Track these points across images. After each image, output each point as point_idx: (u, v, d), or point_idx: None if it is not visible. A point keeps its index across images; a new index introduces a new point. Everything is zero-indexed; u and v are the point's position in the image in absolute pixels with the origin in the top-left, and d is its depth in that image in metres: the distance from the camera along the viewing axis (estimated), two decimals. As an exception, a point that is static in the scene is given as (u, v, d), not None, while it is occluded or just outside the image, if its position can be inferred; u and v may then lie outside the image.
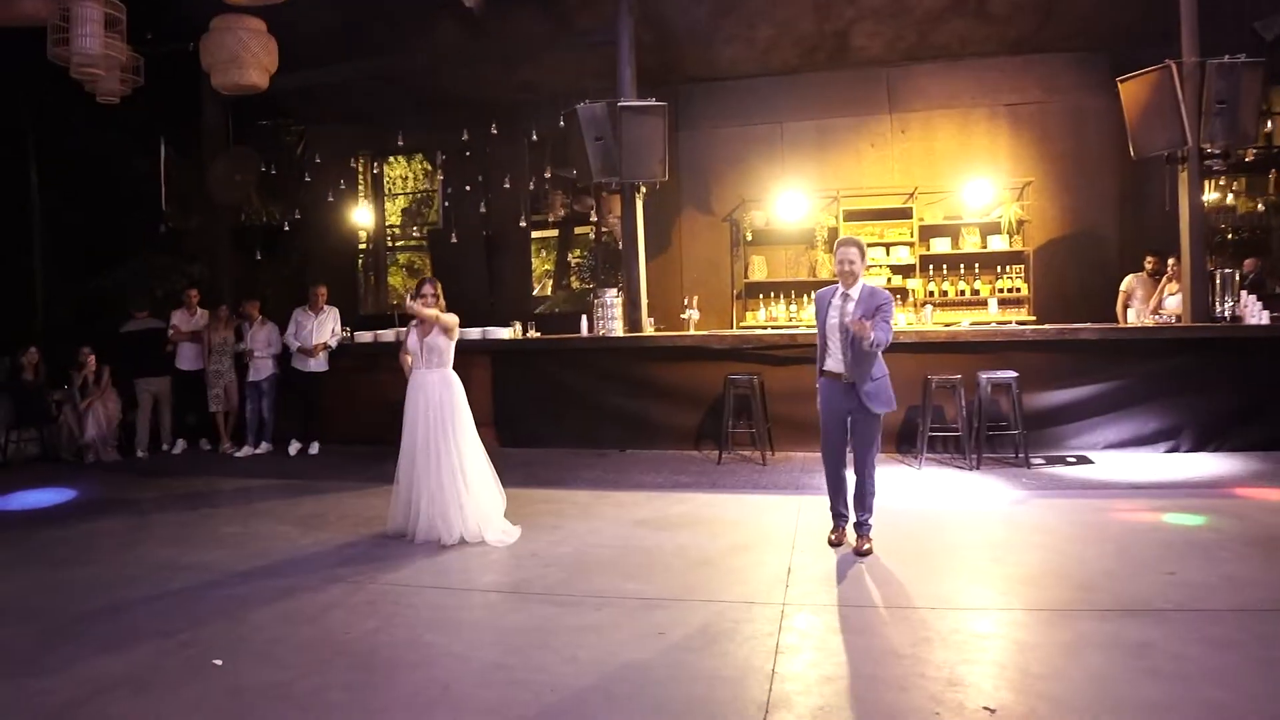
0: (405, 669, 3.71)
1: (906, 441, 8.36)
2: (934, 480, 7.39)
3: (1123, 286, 9.71)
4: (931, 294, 10.89)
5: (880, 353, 5.27)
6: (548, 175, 11.27)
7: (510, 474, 7.90)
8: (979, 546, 5.39)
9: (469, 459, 6.03)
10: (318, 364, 9.83)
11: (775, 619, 4.15)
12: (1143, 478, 7.13)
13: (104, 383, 10.02)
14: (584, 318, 9.63)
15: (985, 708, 3.19)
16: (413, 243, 15.94)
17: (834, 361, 5.33)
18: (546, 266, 15.83)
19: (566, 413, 9.43)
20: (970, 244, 10.96)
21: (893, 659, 3.66)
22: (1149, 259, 9.49)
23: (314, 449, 9.86)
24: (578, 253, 16.10)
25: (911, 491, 6.97)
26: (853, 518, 5.45)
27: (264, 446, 10.05)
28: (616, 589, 4.71)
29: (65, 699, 3.48)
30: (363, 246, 14.27)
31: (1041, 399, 8.25)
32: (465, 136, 10.83)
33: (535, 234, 14.22)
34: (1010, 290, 10.74)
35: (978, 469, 7.73)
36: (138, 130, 12.73)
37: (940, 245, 11.02)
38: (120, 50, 7.18)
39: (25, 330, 11.09)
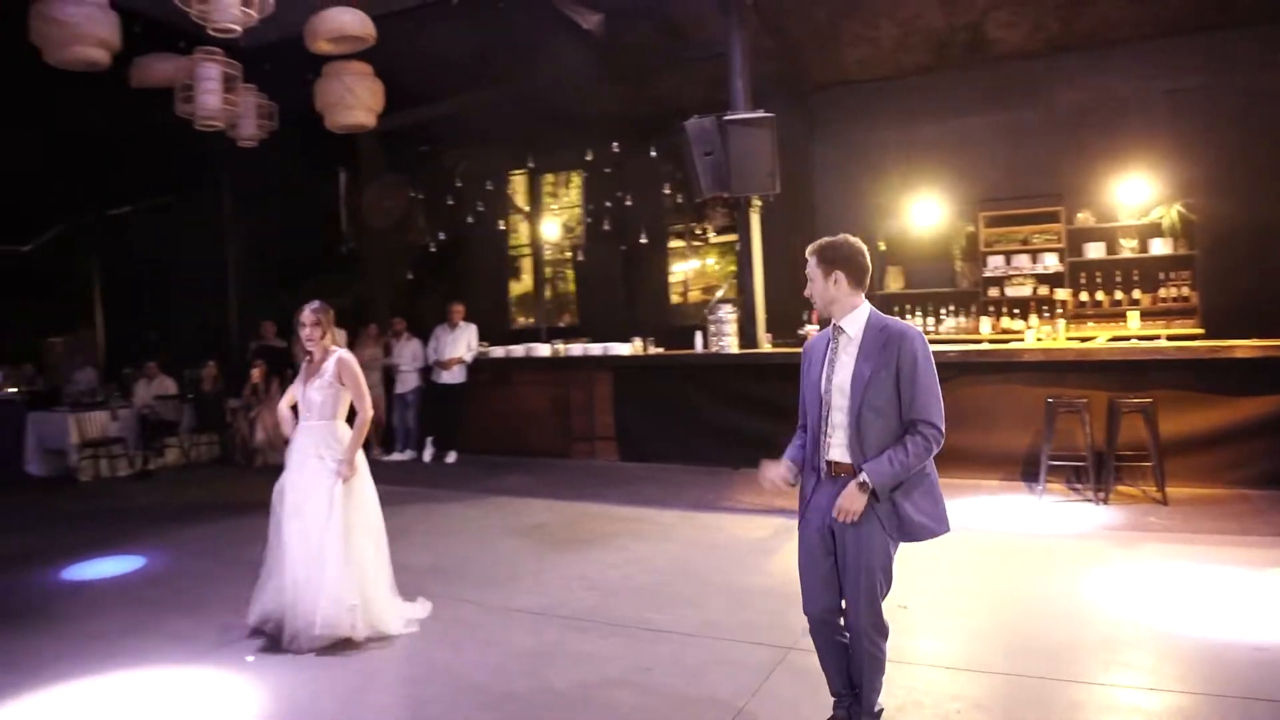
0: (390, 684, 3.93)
1: (1030, 466, 7.78)
2: (1045, 509, 6.90)
3: None
4: (1083, 304, 10.06)
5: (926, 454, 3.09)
6: (666, 190, 11.31)
7: (614, 490, 8.34)
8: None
9: (356, 529, 4.63)
10: (452, 376, 10.40)
11: (773, 662, 4.04)
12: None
13: (272, 392, 11.04)
14: (698, 334, 9.61)
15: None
16: (564, 257, 16.38)
17: (838, 448, 3.18)
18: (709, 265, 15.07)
19: (682, 429, 9.49)
20: (1128, 249, 10.02)
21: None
22: None
23: (451, 458, 10.44)
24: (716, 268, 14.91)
25: (1016, 517, 6.52)
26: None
27: (409, 453, 10.78)
28: (639, 619, 4.73)
29: None
30: (519, 259, 14.81)
31: (1187, 425, 7.42)
32: (589, 157, 11.06)
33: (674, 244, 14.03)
34: (1176, 299, 9.71)
35: (1104, 503, 7.11)
36: (318, 160, 13.89)
37: (1094, 251, 10.13)
38: (238, 104, 7.88)
39: (214, 346, 12.39)
